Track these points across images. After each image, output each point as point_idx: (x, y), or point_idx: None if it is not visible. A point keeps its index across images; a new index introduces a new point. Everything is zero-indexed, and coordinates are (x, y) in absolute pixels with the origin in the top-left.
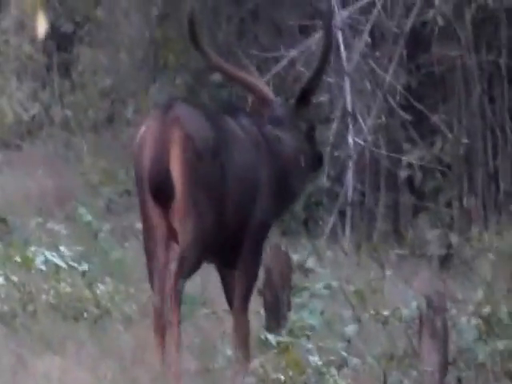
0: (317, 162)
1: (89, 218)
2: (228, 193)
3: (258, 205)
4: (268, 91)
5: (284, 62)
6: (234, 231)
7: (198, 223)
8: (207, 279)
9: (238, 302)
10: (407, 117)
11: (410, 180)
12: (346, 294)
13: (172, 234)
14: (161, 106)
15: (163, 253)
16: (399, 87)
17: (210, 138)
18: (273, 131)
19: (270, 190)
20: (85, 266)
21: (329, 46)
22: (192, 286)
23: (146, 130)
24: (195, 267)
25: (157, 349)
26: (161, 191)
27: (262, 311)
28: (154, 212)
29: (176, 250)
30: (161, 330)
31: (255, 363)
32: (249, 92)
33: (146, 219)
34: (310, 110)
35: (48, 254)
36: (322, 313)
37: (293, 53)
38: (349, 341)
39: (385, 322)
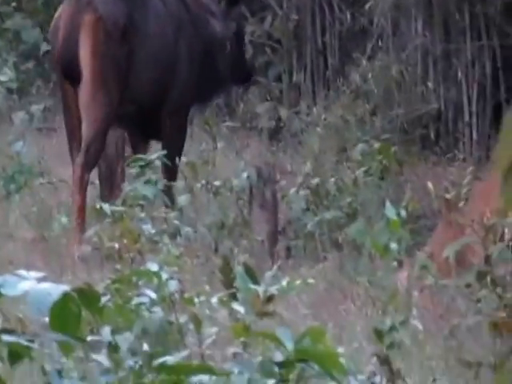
0: (245, 74)
1: None
2: (140, 71)
3: (176, 81)
4: None
5: None
6: (150, 107)
7: (104, 109)
8: (44, 150)
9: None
10: None
11: None
12: (178, 165)
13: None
14: None
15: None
16: None
17: (121, 19)
18: (202, 13)
19: (189, 67)
20: None
21: None
22: (29, 156)
23: (60, 14)
24: (99, 155)
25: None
26: (70, 72)
27: (97, 181)
28: (69, 92)
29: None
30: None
31: (90, 232)
32: None
33: (63, 99)
34: (239, 10)
35: None
36: (155, 183)
37: None
38: (181, 210)
39: (216, 192)
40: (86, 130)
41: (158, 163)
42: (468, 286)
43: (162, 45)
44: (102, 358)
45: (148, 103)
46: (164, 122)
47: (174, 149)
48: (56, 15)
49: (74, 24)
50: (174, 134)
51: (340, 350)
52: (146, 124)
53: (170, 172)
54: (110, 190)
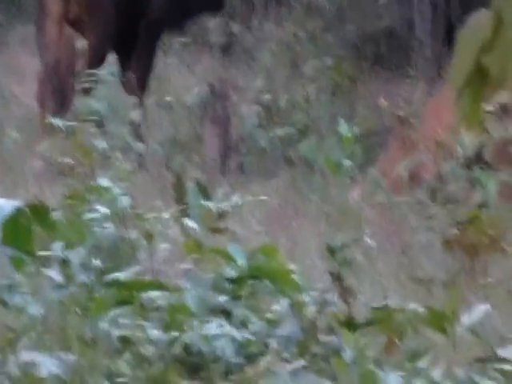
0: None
1: None
2: None
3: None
4: None
5: None
6: (129, 23)
7: (107, 14)
8: None
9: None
10: None
11: None
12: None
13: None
14: None
15: (57, 30)
16: None
17: None
18: None
19: None
20: None
21: None
22: None
23: None
24: (103, 59)
25: None
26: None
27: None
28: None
29: None
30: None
31: (42, 147)
32: None
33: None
34: None
35: None
36: (108, 99)
37: None
38: (134, 126)
39: (168, 107)
40: (92, 34)
41: (110, 78)
42: (420, 202)
43: None
44: (53, 273)
45: (129, 21)
46: (141, 39)
47: (149, 68)
48: None
49: None
50: (149, 52)
51: (292, 266)
52: (124, 37)
53: (144, 89)
54: (61, 104)
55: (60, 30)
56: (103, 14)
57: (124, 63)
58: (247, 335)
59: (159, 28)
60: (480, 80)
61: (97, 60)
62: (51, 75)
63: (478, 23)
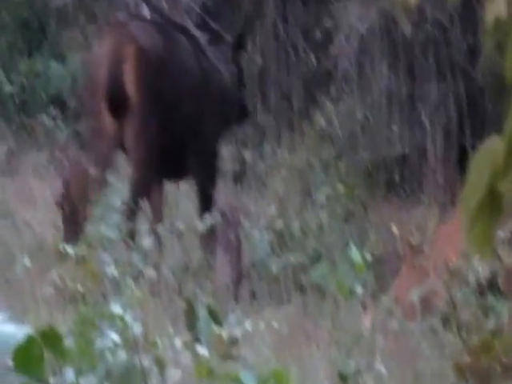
0: (242, 111)
1: None
2: (175, 103)
3: (204, 114)
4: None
5: None
6: (182, 141)
7: (150, 138)
8: (8, 191)
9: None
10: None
11: None
12: (143, 207)
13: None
14: (114, 22)
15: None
16: (196, 7)
17: (159, 49)
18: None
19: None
20: None
21: None
22: None
23: (102, 45)
24: (149, 187)
25: None
26: (116, 101)
27: (60, 224)
28: (109, 123)
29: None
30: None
31: (54, 274)
32: None
33: (97, 130)
34: (242, 55)
35: None
36: (118, 226)
37: None
38: (145, 253)
39: (180, 234)
40: (135, 161)
41: (121, 206)
42: (432, 329)
43: (191, 79)
44: None
45: (179, 137)
46: (193, 157)
47: (208, 182)
48: (95, 49)
49: (117, 56)
50: (205, 178)
51: None
52: (174, 160)
53: (208, 205)
54: (73, 231)
55: (111, 153)
56: (150, 141)
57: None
58: None
59: (215, 139)
60: (493, 206)
61: (141, 187)
62: (64, 203)
63: (490, 149)
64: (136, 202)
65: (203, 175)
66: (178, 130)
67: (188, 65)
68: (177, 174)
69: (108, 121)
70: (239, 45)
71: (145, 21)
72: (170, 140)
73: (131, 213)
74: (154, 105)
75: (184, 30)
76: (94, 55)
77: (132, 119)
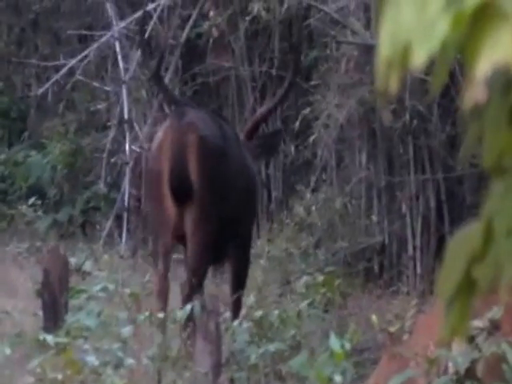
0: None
1: None
2: (230, 189)
3: (249, 202)
4: None
5: (64, 71)
6: (230, 227)
7: (211, 226)
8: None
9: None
10: None
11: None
12: (122, 296)
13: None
14: (175, 113)
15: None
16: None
17: (218, 139)
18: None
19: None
20: None
21: (293, 82)
22: None
23: (164, 135)
24: (206, 274)
25: None
26: (180, 189)
27: (40, 312)
28: (172, 210)
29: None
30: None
31: (33, 363)
32: None
33: (161, 217)
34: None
35: None
36: (98, 314)
37: (72, 61)
38: (125, 342)
39: (160, 323)
40: (194, 248)
41: (100, 294)
42: None
43: (238, 167)
44: None
45: (228, 223)
46: (235, 243)
47: (246, 269)
48: (157, 140)
49: (180, 145)
50: (243, 260)
51: None
52: (220, 247)
53: (242, 284)
54: (53, 321)
55: (174, 241)
56: (211, 228)
57: None
58: None
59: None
60: (468, 292)
61: (201, 274)
62: (43, 292)
63: (467, 233)
64: (195, 289)
65: (242, 259)
66: (228, 217)
67: (235, 153)
68: (220, 260)
69: (171, 210)
70: (253, 132)
71: (198, 110)
72: (221, 228)
73: (188, 298)
74: (213, 193)
75: (225, 119)
76: (155, 145)
77: (193, 207)
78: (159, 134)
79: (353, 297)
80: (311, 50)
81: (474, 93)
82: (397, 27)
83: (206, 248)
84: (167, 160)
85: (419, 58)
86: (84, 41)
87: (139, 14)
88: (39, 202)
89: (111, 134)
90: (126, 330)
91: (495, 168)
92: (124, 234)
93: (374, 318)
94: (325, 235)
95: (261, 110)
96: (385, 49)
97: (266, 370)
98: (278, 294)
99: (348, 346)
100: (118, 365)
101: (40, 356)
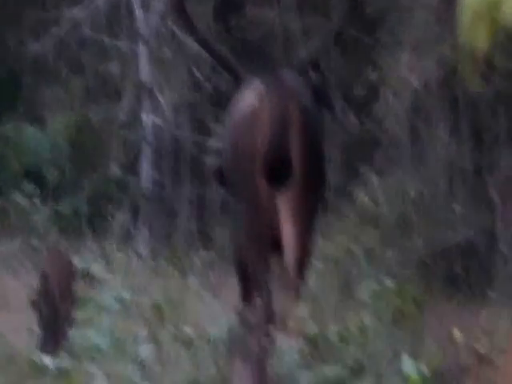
0: None
1: None
2: (320, 169)
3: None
4: None
5: (67, 24)
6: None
7: (314, 209)
8: None
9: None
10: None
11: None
12: (140, 307)
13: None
14: (267, 80)
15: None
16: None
17: (313, 112)
18: None
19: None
20: None
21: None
22: None
23: (259, 103)
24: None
25: None
26: (278, 170)
27: (37, 328)
28: (265, 195)
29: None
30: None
31: None
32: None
33: (254, 200)
34: None
35: None
36: (111, 331)
37: (77, 12)
38: (143, 365)
39: (188, 342)
40: (296, 233)
41: (113, 305)
42: None
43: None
44: None
45: None
46: None
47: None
48: (246, 107)
49: (282, 118)
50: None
51: None
52: None
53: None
54: (53, 338)
55: (268, 232)
56: (310, 216)
57: None
58: None
59: None
60: None
61: (306, 266)
62: (41, 303)
63: None
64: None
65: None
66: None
67: (319, 127)
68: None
69: (264, 192)
70: None
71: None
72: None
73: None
74: (313, 176)
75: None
76: (243, 113)
77: (292, 192)
78: (250, 101)
79: (430, 307)
80: None
81: None
82: None
83: (309, 239)
84: (264, 134)
85: None
86: None
87: None
88: (36, 188)
89: (126, 102)
90: (145, 351)
91: None
92: (143, 229)
93: (456, 333)
94: (395, 230)
95: None
96: None
97: None
98: (336, 305)
99: (425, 369)
100: None
101: (37, 383)
